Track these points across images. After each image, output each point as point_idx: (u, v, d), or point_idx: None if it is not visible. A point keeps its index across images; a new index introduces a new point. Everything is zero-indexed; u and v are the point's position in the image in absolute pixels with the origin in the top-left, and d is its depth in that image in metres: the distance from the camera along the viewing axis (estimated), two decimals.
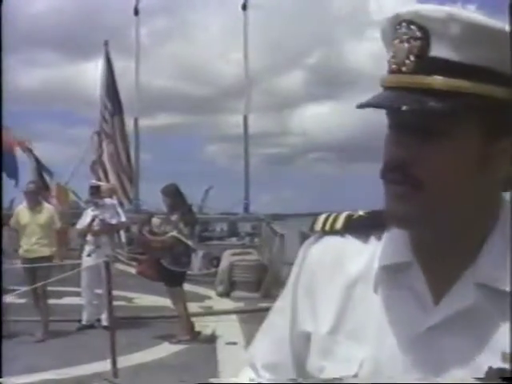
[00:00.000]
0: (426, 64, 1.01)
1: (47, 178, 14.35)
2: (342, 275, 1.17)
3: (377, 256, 1.14)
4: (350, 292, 1.15)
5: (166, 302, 10.40)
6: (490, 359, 1.01)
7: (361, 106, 1.05)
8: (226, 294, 12.57)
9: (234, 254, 14.11)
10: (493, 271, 1.05)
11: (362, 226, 1.21)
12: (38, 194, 10.01)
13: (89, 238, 10.14)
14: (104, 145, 22.21)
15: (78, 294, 10.27)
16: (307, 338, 1.19)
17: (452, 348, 1.04)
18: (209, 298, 12.46)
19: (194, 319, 9.28)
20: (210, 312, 10.98)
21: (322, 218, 1.25)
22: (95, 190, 10.60)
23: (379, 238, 1.17)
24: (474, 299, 1.04)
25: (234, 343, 8.63)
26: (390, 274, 1.12)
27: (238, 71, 25.30)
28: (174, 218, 9.05)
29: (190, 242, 9.02)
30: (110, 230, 10.20)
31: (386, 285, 1.12)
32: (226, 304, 11.89)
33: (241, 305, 11.62)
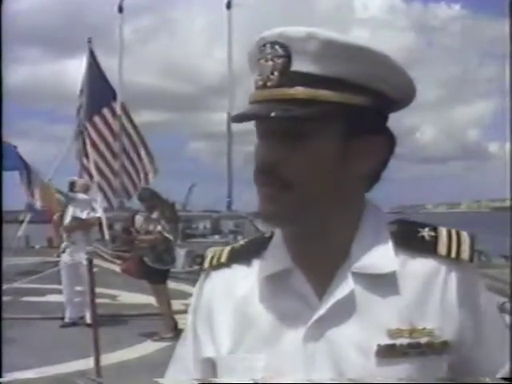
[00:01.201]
0: (288, 78, 1.13)
1: (32, 175, 14.25)
2: (233, 299, 1.27)
3: (260, 270, 1.25)
4: (241, 312, 1.25)
5: (149, 299, 10.40)
6: (378, 338, 1.13)
7: (234, 120, 1.18)
8: None
9: None
10: (365, 260, 1.17)
11: (245, 253, 1.32)
12: None
13: (62, 233, 10.12)
14: (87, 141, 22.10)
15: (60, 292, 10.23)
16: (211, 364, 1.28)
17: (341, 335, 1.14)
18: (191, 295, 12.38)
19: (177, 317, 9.28)
20: None
21: (209, 255, 1.38)
22: (71, 186, 10.61)
23: (261, 259, 1.27)
24: (352, 287, 1.15)
25: None
26: (274, 283, 1.22)
27: (222, 69, 25.33)
28: (154, 215, 9.07)
29: (171, 238, 9.03)
30: (81, 225, 10.08)
31: (272, 293, 1.22)
32: None
33: None
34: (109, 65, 23.85)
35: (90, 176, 20.80)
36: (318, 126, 1.13)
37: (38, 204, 11.03)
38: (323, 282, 1.18)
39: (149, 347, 8.47)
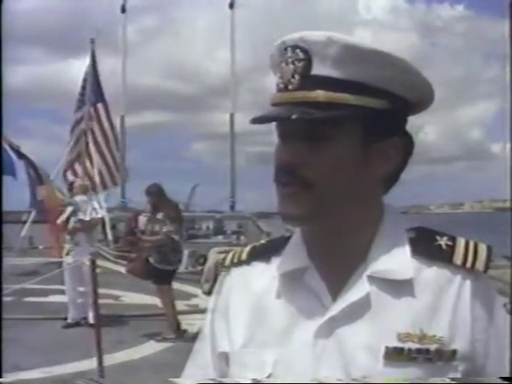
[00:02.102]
0: (309, 81, 1.16)
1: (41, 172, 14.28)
2: (249, 295, 1.30)
3: (277, 268, 1.28)
4: (257, 306, 1.28)
5: (152, 300, 10.42)
6: (388, 341, 1.15)
7: (255, 122, 1.21)
8: (212, 292, 12.55)
9: (220, 252, 14.09)
10: (382, 264, 1.19)
11: (265, 251, 1.35)
12: None
13: (66, 236, 10.13)
14: (90, 141, 22.11)
15: (63, 292, 10.25)
16: (226, 358, 1.31)
17: (352, 335, 1.17)
18: (195, 296, 12.46)
19: (180, 317, 9.29)
20: (196, 310, 10.97)
21: (230, 254, 1.41)
22: (70, 187, 10.62)
23: (279, 256, 1.30)
24: (367, 290, 1.17)
25: None
26: (290, 280, 1.25)
27: (225, 70, 25.33)
28: (159, 216, 9.06)
29: (178, 239, 9.03)
30: (83, 227, 10.09)
31: (287, 290, 1.25)
32: None
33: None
34: (112, 65, 23.86)
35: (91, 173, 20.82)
36: (338, 128, 1.16)
37: (44, 203, 11.04)
38: (338, 281, 1.20)
39: (152, 348, 8.48)
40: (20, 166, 13.81)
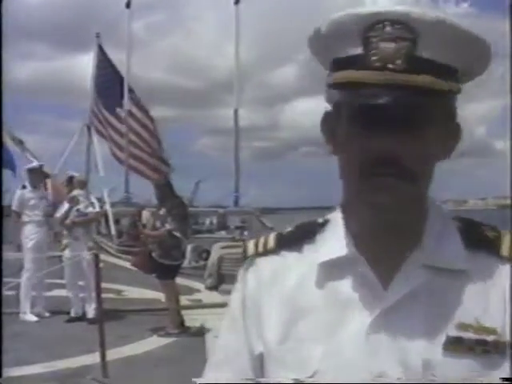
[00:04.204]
0: (414, 63, 1.06)
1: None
2: (283, 287, 1.21)
3: (315, 256, 1.20)
4: (293, 299, 1.19)
5: (155, 294, 10.43)
6: (447, 330, 1.10)
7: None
8: (215, 287, 12.57)
9: (224, 248, 14.12)
10: (437, 253, 1.15)
11: (295, 239, 1.26)
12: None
13: (64, 231, 10.15)
14: (94, 136, 22.19)
15: (66, 287, 10.26)
16: (260, 359, 1.22)
17: (408, 327, 1.10)
18: (198, 291, 12.47)
19: (183, 312, 9.29)
20: (199, 305, 11.00)
21: (251, 242, 1.30)
22: (69, 182, 10.64)
23: (314, 245, 1.22)
24: (422, 280, 1.12)
25: None
26: (334, 268, 1.17)
27: (231, 65, 25.32)
28: (162, 212, 9.05)
29: (179, 236, 9.01)
30: (82, 221, 10.08)
31: (331, 279, 1.17)
32: (215, 297, 11.90)
33: (230, 298, 11.62)
34: (117, 60, 23.88)
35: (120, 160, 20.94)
36: (433, 115, 1.10)
37: (50, 197, 11.04)
38: (389, 270, 1.14)
39: (155, 342, 8.48)
40: (20, 162, 13.86)
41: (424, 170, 1.12)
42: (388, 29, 1.07)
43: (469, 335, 1.09)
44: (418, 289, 1.12)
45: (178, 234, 8.92)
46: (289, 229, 1.30)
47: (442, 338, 1.09)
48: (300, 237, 1.25)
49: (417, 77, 1.06)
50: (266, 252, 1.27)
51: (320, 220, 1.26)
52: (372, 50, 1.08)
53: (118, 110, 22.16)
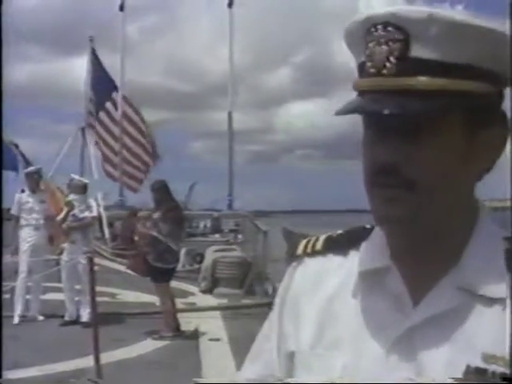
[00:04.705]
0: (407, 65, 1.01)
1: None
2: (322, 290, 1.19)
3: (356, 264, 1.15)
4: (330, 304, 1.16)
5: (149, 298, 10.44)
6: (470, 360, 1.01)
7: (342, 113, 1.05)
8: (209, 291, 12.59)
9: (218, 251, 14.13)
10: (476, 277, 1.05)
11: (342, 243, 1.22)
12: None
13: (62, 235, 10.16)
14: (88, 139, 22.18)
15: (61, 290, 10.25)
16: (292, 358, 1.20)
17: (431, 349, 1.04)
18: (192, 294, 12.47)
19: (177, 316, 9.30)
20: (193, 308, 11.01)
21: (303, 242, 1.28)
22: (69, 185, 10.65)
23: (358, 251, 1.18)
24: (455, 303, 1.04)
25: (217, 339, 8.68)
26: (369, 279, 1.12)
27: (225, 68, 25.30)
28: (156, 215, 9.07)
29: (169, 241, 8.97)
30: (78, 225, 10.08)
31: (365, 290, 1.12)
32: (210, 300, 11.92)
33: (224, 301, 11.65)
34: (112, 63, 23.87)
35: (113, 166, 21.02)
36: (440, 119, 1.02)
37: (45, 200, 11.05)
38: (422, 288, 1.07)
39: (149, 346, 8.49)
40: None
41: (430, 180, 1.03)
42: (380, 32, 1.03)
43: (494, 368, 1.00)
44: (449, 311, 1.04)
45: (166, 239, 8.90)
46: (339, 232, 1.26)
47: (463, 367, 1.01)
48: (348, 241, 1.22)
49: (411, 79, 1.00)
50: (314, 253, 1.24)
51: (368, 226, 1.20)
52: (368, 55, 1.05)
53: (108, 104, 22.18)
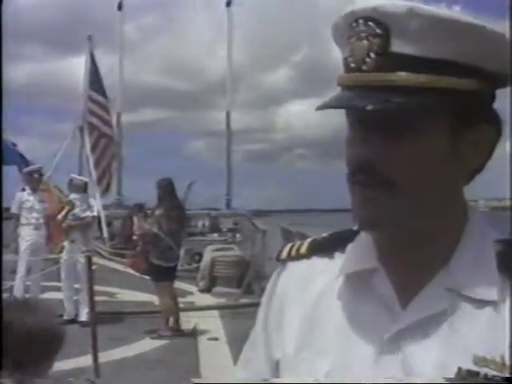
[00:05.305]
0: (387, 61, 0.99)
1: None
2: (307, 294, 1.16)
3: (342, 266, 1.13)
4: (315, 307, 1.14)
5: (147, 297, 10.43)
6: (461, 362, 0.99)
7: (321, 108, 1.03)
8: (207, 290, 12.59)
9: (216, 250, 14.13)
10: (465, 279, 1.02)
11: (327, 245, 1.20)
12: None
13: (62, 234, 10.17)
14: (87, 138, 22.14)
15: (60, 289, 10.25)
16: (278, 366, 1.18)
17: (421, 352, 1.02)
18: (190, 293, 12.46)
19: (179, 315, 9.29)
20: (191, 307, 11.00)
21: (287, 247, 1.26)
22: (70, 184, 10.65)
23: (344, 253, 1.16)
24: (444, 305, 1.02)
25: (216, 339, 8.69)
26: (355, 281, 1.10)
27: (223, 67, 25.33)
28: (157, 212, 9.08)
29: (168, 239, 8.98)
30: (78, 224, 10.08)
31: (352, 292, 1.10)
32: (208, 300, 11.92)
33: (222, 300, 11.65)
34: (109, 62, 23.89)
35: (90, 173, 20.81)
36: (422, 116, 0.99)
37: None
38: (410, 290, 1.05)
39: (147, 344, 8.49)
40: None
41: (411, 180, 1.01)
42: (361, 27, 1.01)
43: (486, 370, 0.97)
44: (438, 314, 1.02)
45: (163, 236, 8.90)
46: (324, 235, 1.24)
47: (454, 370, 0.99)
48: (333, 244, 1.19)
49: (391, 75, 0.98)
50: (298, 256, 1.22)
51: (354, 228, 1.16)
52: (350, 51, 1.03)
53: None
